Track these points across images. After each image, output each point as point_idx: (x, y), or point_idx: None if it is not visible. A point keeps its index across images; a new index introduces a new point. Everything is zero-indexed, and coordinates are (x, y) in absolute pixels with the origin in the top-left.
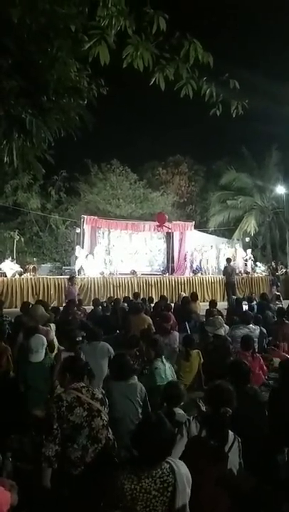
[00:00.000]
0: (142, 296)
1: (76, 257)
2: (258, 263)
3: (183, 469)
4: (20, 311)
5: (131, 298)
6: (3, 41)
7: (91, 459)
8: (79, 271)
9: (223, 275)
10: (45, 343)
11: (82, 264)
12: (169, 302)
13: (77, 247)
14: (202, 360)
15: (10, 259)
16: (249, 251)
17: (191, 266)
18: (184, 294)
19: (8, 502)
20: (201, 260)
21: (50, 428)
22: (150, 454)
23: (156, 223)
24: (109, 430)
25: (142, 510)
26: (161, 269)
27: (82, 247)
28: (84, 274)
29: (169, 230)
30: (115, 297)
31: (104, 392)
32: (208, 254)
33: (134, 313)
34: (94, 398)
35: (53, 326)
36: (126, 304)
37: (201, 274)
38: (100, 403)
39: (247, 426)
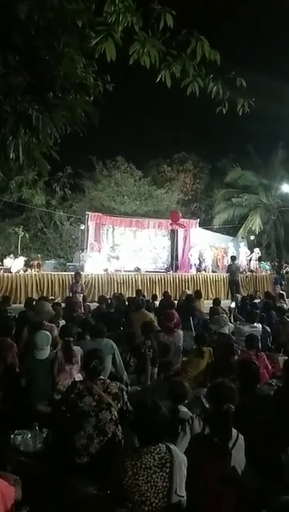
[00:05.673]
0: (144, 293)
1: (82, 255)
2: (266, 262)
3: (179, 451)
4: (24, 306)
5: (134, 296)
6: (10, 37)
7: (95, 450)
8: (82, 267)
9: (227, 273)
10: (50, 340)
11: (88, 261)
12: (172, 300)
13: (95, 243)
14: (213, 358)
15: (20, 256)
16: (257, 250)
17: (200, 264)
18: (188, 291)
19: (13, 497)
20: (204, 258)
21: None
22: (148, 434)
23: (170, 221)
24: (119, 427)
25: (144, 484)
26: (165, 266)
27: (87, 244)
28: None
29: (184, 228)
30: (119, 293)
31: (124, 388)
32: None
33: (136, 310)
34: (106, 391)
35: (63, 322)
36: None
37: (206, 271)
38: (113, 398)
39: (257, 426)
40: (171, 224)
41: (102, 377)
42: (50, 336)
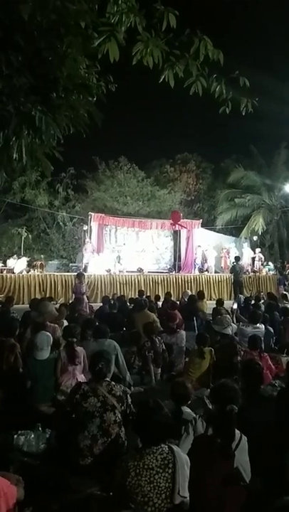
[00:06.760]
0: (148, 294)
1: (83, 255)
2: (269, 262)
3: (181, 452)
4: (29, 307)
5: (136, 297)
6: (14, 38)
7: (99, 451)
8: (85, 268)
9: (231, 273)
10: (51, 341)
11: (89, 261)
12: (175, 300)
13: (88, 244)
14: (214, 359)
15: (23, 257)
16: (257, 250)
17: (203, 264)
18: (189, 292)
19: (15, 496)
20: (207, 259)
21: None
22: (150, 435)
23: (171, 221)
24: (122, 429)
25: (147, 485)
26: (168, 267)
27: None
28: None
29: (185, 228)
30: (121, 294)
31: (128, 391)
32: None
33: (138, 310)
34: (111, 393)
35: (65, 322)
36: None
37: (208, 272)
38: (118, 400)
39: (260, 427)
40: (171, 224)
41: (107, 379)
42: (51, 336)
